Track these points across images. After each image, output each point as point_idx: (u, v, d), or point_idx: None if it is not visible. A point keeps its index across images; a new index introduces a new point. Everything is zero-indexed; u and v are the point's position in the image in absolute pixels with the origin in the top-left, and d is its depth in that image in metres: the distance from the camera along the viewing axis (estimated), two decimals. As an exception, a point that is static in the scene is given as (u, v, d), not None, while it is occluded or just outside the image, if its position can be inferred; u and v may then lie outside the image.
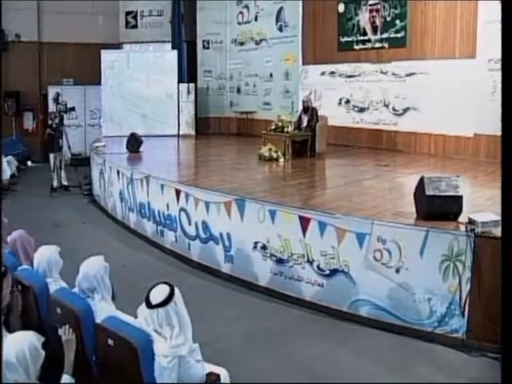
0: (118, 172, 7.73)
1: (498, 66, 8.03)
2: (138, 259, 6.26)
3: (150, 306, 2.32)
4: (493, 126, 8.11)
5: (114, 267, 5.54)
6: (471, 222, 4.06)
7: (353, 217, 4.54)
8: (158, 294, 2.33)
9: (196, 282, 5.48)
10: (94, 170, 9.32)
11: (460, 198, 4.29)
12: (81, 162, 10.89)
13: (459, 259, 4.05)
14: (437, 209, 4.25)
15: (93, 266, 2.65)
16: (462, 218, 4.33)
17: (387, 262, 4.31)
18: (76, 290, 2.70)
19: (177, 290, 2.38)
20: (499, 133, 7.42)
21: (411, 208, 4.67)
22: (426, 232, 4.14)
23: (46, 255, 3.08)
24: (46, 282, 2.89)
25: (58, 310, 2.54)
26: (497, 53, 7.95)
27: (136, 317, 2.45)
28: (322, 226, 4.64)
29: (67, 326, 2.35)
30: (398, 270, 4.28)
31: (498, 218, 4.03)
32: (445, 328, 4.18)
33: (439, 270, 4.12)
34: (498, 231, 3.98)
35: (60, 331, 2.35)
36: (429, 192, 4.24)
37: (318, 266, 4.71)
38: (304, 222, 4.77)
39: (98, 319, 2.48)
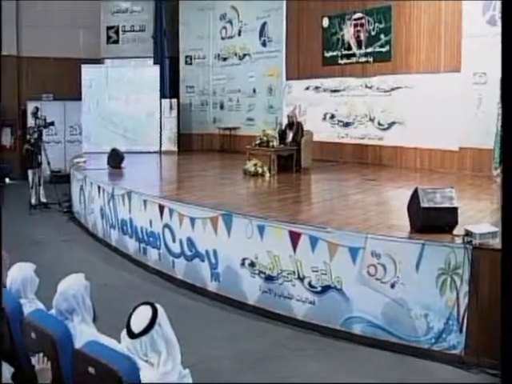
0: (99, 188, 7.49)
1: (483, 79, 8.07)
2: (119, 278, 6.00)
3: (132, 335, 2.05)
4: (478, 140, 8.12)
5: (95, 287, 5.29)
6: (468, 233, 3.93)
7: (345, 231, 4.38)
8: (140, 319, 2.07)
9: (181, 302, 5.24)
10: (74, 186, 9.06)
11: (455, 209, 4.18)
12: (60, 179, 10.59)
13: (456, 272, 3.91)
14: (432, 221, 4.13)
15: (72, 285, 2.40)
16: (457, 231, 4.22)
17: (382, 277, 4.15)
18: (53, 311, 2.45)
19: (160, 309, 2.14)
20: (484, 146, 7.39)
21: (404, 221, 4.55)
22: (421, 245, 4.00)
23: (20, 274, 2.81)
24: (20, 304, 2.64)
25: (33, 335, 2.30)
26: (481, 66, 8.01)
27: (120, 340, 2.22)
28: (314, 241, 4.46)
29: (41, 355, 2.11)
30: (393, 286, 4.12)
31: (495, 229, 3.93)
32: (442, 344, 4.02)
33: (436, 285, 3.98)
34: (495, 242, 3.87)
35: (33, 360, 2.11)
36: (424, 204, 4.11)
37: (310, 283, 4.52)
38: (294, 237, 4.59)
39: (78, 344, 2.22)
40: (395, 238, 4.16)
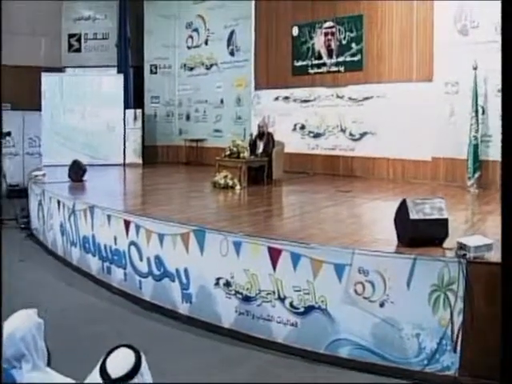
0: (59, 202, 6.99)
1: (455, 89, 8.01)
2: (81, 300, 5.51)
3: (109, 381, 1.63)
4: (451, 150, 8.06)
5: (54, 311, 4.81)
6: (462, 246, 3.68)
7: (330, 246, 4.07)
8: (120, 363, 1.65)
9: (149, 326, 4.80)
10: (33, 201, 8.51)
11: (446, 220, 3.94)
12: (18, 194, 10.02)
13: (450, 288, 3.66)
14: (422, 234, 3.87)
15: (21, 325, 1.90)
16: (446, 244, 3.99)
17: (370, 295, 3.85)
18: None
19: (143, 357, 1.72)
20: (457, 156, 7.28)
21: (389, 234, 4.28)
22: (413, 260, 3.73)
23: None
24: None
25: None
26: (453, 76, 7.95)
27: (82, 379, 1.80)
28: (295, 258, 4.12)
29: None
30: (382, 304, 3.83)
31: (490, 241, 3.70)
32: (435, 366, 3.75)
33: (428, 302, 3.70)
34: (490, 256, 3.64)
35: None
36: (413, 216, 3.85)
37: (291, 304, 4.17)
38: (274, 254, 4.24)
39: (27, 400, 1.80)
40: (384, 252, 3.87)
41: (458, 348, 3.69)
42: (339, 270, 3.94)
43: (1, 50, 8.67)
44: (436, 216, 3.90)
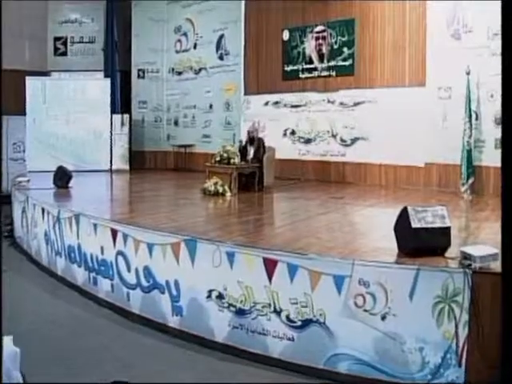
0: (43, 210, 6.75)
1: (448, 94, 7.93)
2: (66, 312, 5.28)
3: None
4: (444, 155, 7.96)
5: (39, 323, 4.59)
6: (466, 256, 3.53)
7: (329, 257, 3.89)
8: None
9: (137, 340, 4.58)
10: (16, 208, 8.24)
11: (448, 229, 3.79)
12: (2, 200, 9.74)
13: (455, 300, 3.50)
14: (424, 243, 3.71)
15: None
16: (448, 253, 3.85)
17: (371, 308, 3.68)
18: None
19: None
20: (450, 161, 7.17)
21: (388, 243, 4.13)
22: (416, 271, 3.56)
23: None
24: None
25: None
26: (446, 81, 7.86)
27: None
28: (292, 269, 3.94)
29: None
30: (383, 317, 3.66)
31: (495, 250, 3.55)
32: (440, 381, 3.58)
33: (432, 314, 3.54)
34: (496, 266, 3.49)
35: None
36: (415, 224, 3.69)
37: (288, 317, 3.99)
38: (269, 265, 4.05)
39: None
40: (386, 263, 3.70)
41: (464, 362, 3.54)
42: (338, 281, 3.76)
43: (1, 52, 8.39)
44: (438, 224, 3.75)
